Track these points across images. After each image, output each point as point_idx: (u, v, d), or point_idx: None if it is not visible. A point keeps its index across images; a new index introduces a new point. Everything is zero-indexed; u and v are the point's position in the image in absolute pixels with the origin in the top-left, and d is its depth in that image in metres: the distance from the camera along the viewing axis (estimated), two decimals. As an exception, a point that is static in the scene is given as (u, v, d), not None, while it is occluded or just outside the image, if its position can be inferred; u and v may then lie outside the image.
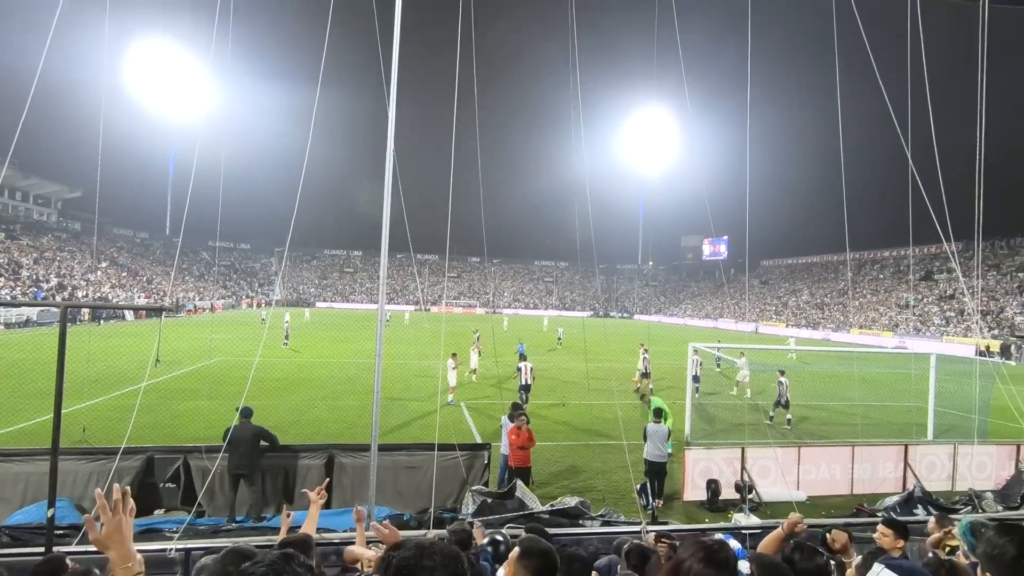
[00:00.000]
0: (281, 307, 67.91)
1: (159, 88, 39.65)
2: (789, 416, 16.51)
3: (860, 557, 3.01)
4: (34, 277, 47.49)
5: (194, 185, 7.62)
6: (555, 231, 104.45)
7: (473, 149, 9.30)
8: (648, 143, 70.59)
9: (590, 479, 11.02)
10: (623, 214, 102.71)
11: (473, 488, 8.66)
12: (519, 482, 8.69)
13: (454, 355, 18.90)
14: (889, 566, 1.64)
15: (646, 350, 21.47)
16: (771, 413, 16.91)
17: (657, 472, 10.05)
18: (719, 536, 1.56)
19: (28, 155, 56.55)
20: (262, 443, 8.51)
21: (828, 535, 3.23)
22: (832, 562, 3.20)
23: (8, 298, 40.78)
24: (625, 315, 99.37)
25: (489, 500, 8.33)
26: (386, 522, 2.97)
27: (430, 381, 20.53)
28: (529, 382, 17.61)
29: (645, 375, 20.96)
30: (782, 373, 17.01)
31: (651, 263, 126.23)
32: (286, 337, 32.20)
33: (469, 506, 8.33)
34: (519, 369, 18.04)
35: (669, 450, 10.22)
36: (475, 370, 22.25)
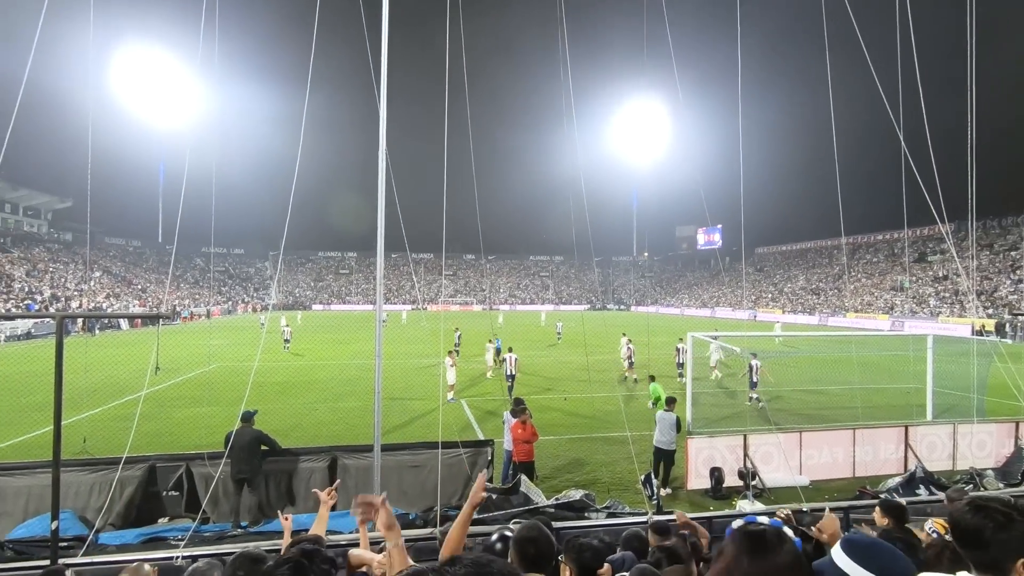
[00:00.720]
0: (277, 311, 67.73)
1: (147, 95, 39.22)
2: (752, 395, 17.27)
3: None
4: (27, 289, 47.19)
5: (186, 191, 7.57)
6: (549, 225, 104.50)
7: (465, 146, 9.27)
8: (640, 134, 70.39)
9: (594, 471, 11.04)
10: (617, 206, 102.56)
11: (477, 485, 8.66)
12: (523, 477, 8.69)
13: (450, 353, 19.14)
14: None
15: (629, 340, 22.66)
16: (761, 398, 17.18)
17: (664, 459, 10.07)
18: (737, 523, 1.50)
19: (16, 166, 56.07)
20: (262, 447, 8.49)
21: (814, 526, 3.17)
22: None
23: (1, 311, 40.48)
24: (622, 307, 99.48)
25: (494, 496, 8.32)
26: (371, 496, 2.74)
27: (431, 379, 20.55)
28: (514, 372, 18.30)
29: (630, 363, 22.05)
30: (754, 356, 17.68)
31: (646, 254, 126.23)
32: (287, 341, 32.13)
33: (474, 503, 8.32)
34: (504, 360, 18.68)
35: (674, 445, 10.22)
36: (492, 367, 22.63)
